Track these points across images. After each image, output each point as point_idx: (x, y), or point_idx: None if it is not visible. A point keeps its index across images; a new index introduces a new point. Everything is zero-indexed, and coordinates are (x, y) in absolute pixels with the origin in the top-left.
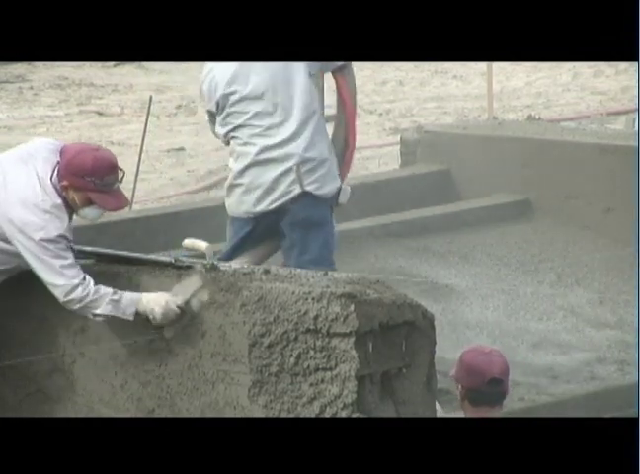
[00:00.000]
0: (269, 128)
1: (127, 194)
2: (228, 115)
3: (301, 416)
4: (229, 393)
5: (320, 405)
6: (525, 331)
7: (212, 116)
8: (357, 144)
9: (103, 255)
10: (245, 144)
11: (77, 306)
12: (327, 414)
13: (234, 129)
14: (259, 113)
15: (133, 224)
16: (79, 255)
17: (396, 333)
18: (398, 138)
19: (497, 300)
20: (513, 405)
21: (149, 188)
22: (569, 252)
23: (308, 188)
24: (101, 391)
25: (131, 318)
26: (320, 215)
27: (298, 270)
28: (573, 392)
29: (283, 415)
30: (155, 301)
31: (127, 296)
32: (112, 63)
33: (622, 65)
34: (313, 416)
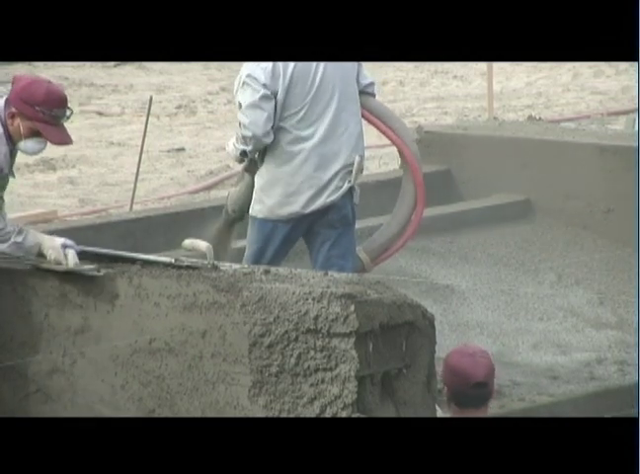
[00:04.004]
0: (320, 123)
1: (128, 194)
2: (283, 107)
3: (302, 416)
4: (229, 393)
5: (320, 405)
6: (526, 331)
7: (267, 99)
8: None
9: (103, 255)
10: (292, 143)
11: None
12: (327, 414)
13: (285, 121)
14: (312, 109)
15: (133, 224)
16: (78, 255)
17: (396, 333)
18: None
19: (497, 300)
20: (513, 405)
21: (149, 188)
22: (569, 252)
23: (354, 183)
24: (101, 391)
25: (32, 256)
26: (354, 212)
27: (298, 270)
28: (573, 392)
29: (284, 415)
30: (52, 246)
31: (30, 239)
32: (112, 63)
33: (622, 65)
34: (313, 416)
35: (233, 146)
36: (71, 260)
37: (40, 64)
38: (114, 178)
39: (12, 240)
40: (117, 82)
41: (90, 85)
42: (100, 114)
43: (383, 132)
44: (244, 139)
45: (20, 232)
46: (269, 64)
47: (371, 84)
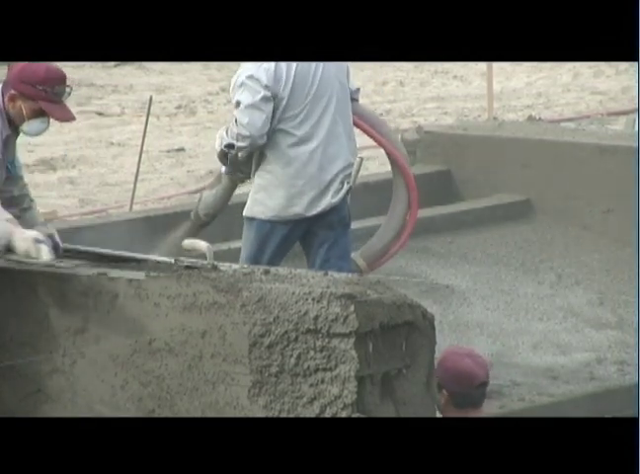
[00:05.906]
0: (320, 125)
1: (128, 194)
2: (285, 108)
3: (301, 416)
4: (229, 393)
5: (320, 405)
6: (525, 331)
7: (266, 100)
8: (357, 144)
9: (103, 255)
10: (294, 145)
11: None
12: (327, 414)
13: (286, 123)
14: (312, 110)
15: (133, 224)
16: (79, 255)
17: (396, 333)
18: (398, 139)
19: (497, 300)
20: (513, 405)
21: (149, 188)
22: (569, 252)
23: (352, 185)
24: (101, 391)
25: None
26: (349, 213)
27: (298, 270)
28: (573, 392)
29: (284, 415)
30: (23, 238)
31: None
32: (112, 64)
33: (622, 65)
34: (313, 416)
35: (220, 139)
36: (45, 255)
37: None
38: (114, 178)
39: None
40: (117, 82)
41: (90, 85)
42: (100, 114)
43: (373, 137)
44: (237, 136)
45: None
46: (271, 66)
47: (358, 90)
